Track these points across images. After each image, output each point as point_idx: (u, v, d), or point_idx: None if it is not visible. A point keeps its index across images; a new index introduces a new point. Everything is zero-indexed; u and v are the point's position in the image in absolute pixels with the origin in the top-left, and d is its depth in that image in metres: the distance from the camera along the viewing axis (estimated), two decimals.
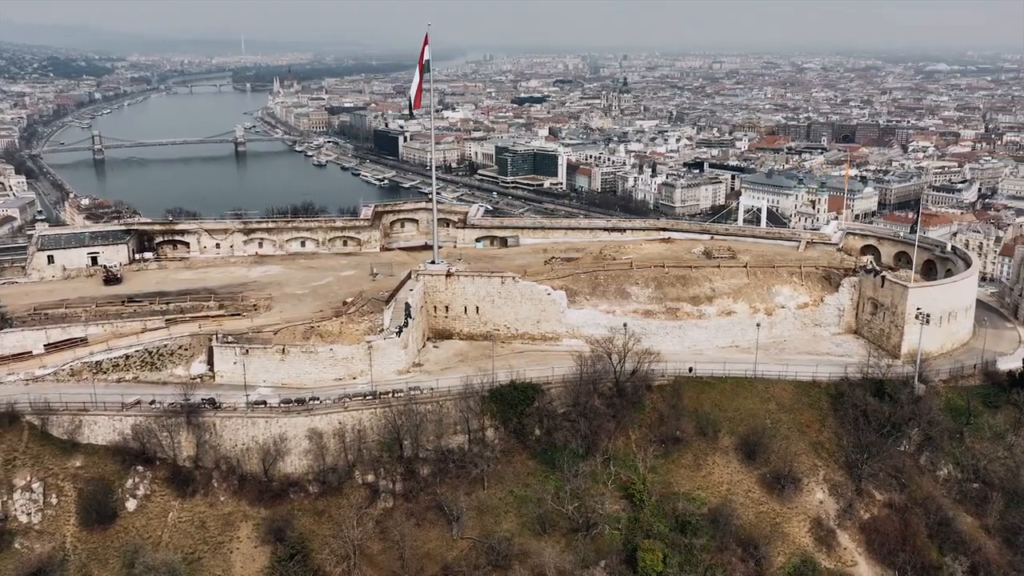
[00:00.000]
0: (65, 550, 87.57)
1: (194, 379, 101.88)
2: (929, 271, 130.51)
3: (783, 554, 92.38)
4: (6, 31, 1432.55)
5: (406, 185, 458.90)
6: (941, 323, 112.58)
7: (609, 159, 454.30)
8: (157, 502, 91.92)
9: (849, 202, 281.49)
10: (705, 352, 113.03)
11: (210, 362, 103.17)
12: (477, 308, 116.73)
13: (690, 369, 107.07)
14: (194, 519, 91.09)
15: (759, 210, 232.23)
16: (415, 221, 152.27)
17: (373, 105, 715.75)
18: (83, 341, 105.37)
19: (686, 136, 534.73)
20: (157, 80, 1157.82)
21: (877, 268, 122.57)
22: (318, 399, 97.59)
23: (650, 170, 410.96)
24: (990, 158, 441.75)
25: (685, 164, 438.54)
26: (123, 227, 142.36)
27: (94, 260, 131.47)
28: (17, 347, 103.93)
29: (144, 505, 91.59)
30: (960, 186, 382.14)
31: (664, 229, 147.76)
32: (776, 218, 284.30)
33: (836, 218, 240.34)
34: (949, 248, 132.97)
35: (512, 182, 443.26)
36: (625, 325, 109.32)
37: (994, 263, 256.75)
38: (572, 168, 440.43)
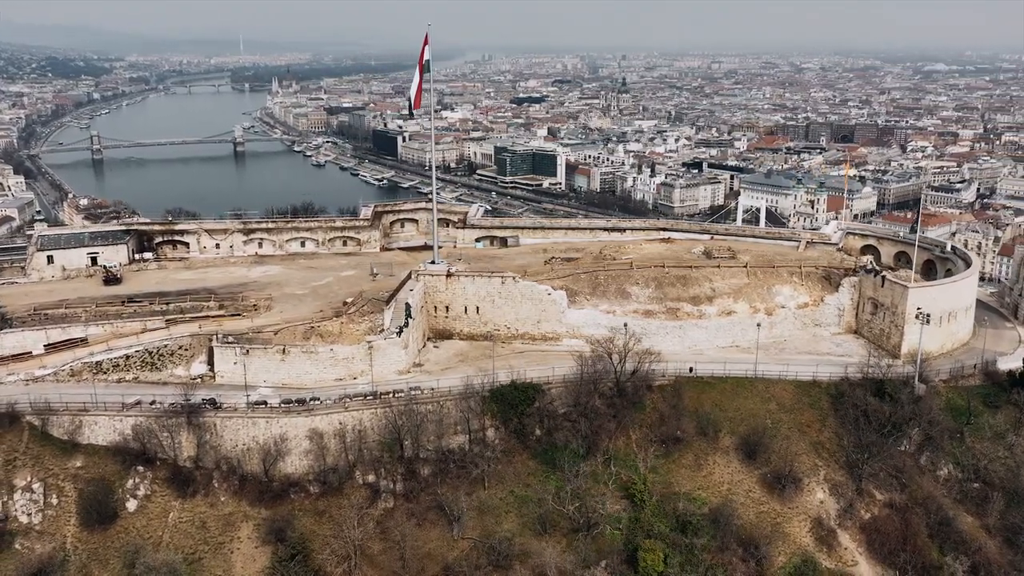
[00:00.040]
0: (65, 550, 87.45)
1: (194, 379, 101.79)
2: (929, 271, 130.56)
3: (784, 554, 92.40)
4: (6, 31, 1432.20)
5: (405, 185, 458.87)
6: (941, 323, 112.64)
7: (608, 159, 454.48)
8: (158, 502, 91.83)
9: (848, 202, 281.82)
10: (705, 352, 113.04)
11: (210, 362, 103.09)
12: (477, 308, 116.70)
13: (690, 369, 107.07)
14: (195, 519, 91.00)
15: (758, 210, 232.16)
16: (415, 221, 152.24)
17: (372, 105, 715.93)
18: (83, 341, 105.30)
19: (685, 136, 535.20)
20: (155, 80, 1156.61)
21: (877, 268, 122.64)
22: (319, 399, 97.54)
23: (649, 170, 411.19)
24: (989, 158, 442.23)
25: (684, 164, 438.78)
26: (123, 227, 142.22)
27: (94, 260, 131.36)
28: (17, 347, 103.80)
29: (144, 505, 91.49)
30: (959, 186, 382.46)
31: (664, 229, 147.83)
32: (775, 218, 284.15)
33: (836, 218, 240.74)
34: (949, 248, 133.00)
35: (511, 182, 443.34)
36: (625, 325, 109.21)
37: (993, 263, 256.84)
38: (571, 168, 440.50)
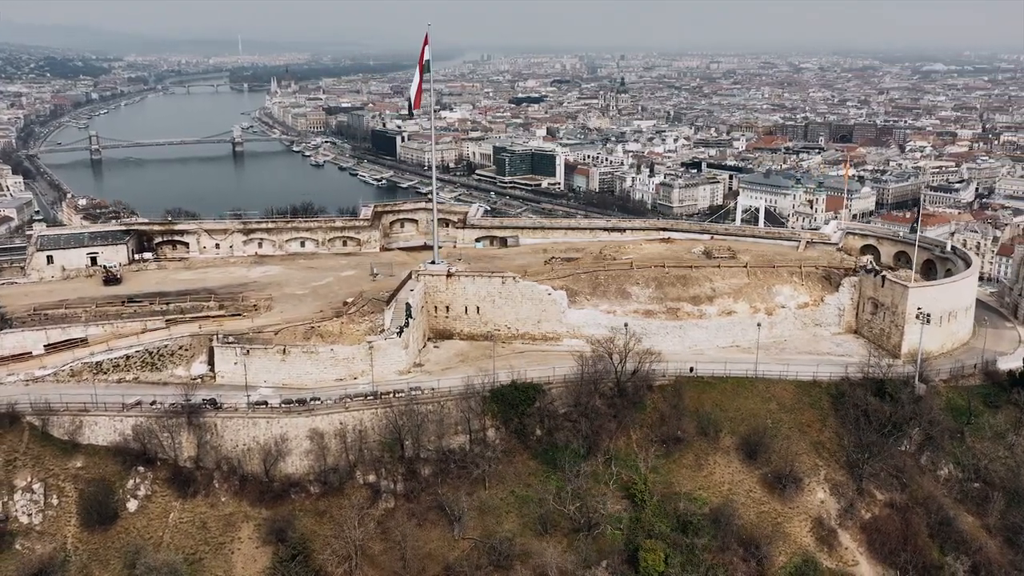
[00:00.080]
0: (66, 551, 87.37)
1: (195, 379, 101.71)
2: (929, 271, 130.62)
3: (784, 554, 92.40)
4: (6, 31, 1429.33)
5: (404, 185, 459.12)
6: (941, 323, 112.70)
7: (607, 159, 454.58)
8: (158, 503, 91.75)
9: (847, 202, 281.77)
10: (706, 352, 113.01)
11: (211, 362, 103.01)
12: (478, 308, 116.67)
13: (691, 369, 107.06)
14: (195, 520, 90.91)
15: (757, 210, 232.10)
16: (415, 221, 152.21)
17: (371, 105, 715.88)
18: (83, 342, 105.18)
19: (684, 136, 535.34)
20: (154, 80, 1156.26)
21: (877, 268, 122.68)
22: (319, 399, 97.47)
23: (648, 170, 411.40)
24: (987, 158, 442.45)
25: (683, 164, 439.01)
26: (122, 227, 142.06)
27: (93, 260, 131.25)
28: (17, 348, 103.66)
29: (145, 506, 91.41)
30: (957, 186, 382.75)
31: (664, 229, 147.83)
32: (774, 218, 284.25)
33: (836, 218, 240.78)
34: (949, 248, 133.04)
35: (510, 182, 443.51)
36: (626, 325, 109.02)
37: (992, 263, 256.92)
38: (570, 168, 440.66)
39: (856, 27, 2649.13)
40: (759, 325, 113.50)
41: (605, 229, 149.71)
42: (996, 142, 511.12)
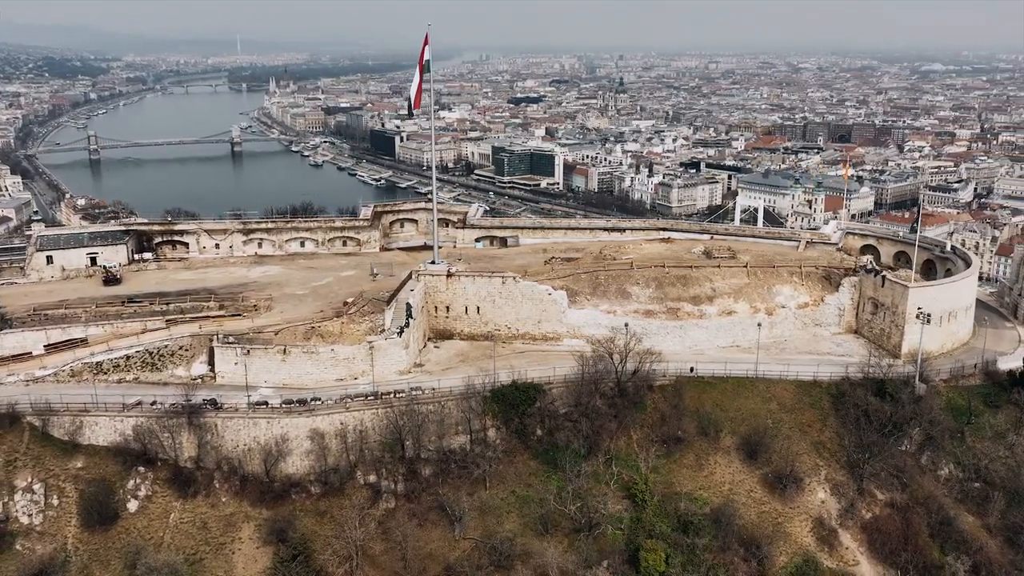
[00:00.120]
0: (66, 551, 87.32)
1: (195, 380, 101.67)
2: (928, 271, 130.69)
3: (785, 554, 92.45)
4: (6, 31, 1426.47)
5: (403, 185, 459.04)
6: (941, 323, 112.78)
7: (606, 159, 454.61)
8: (159, 503, 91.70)
9: (846, 202, 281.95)
10: (706, 352, 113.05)
11: (211, 363, 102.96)
12: (478, 308, 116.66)
13: (691, 369, 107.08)
14: (196, 520, 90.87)
15: (756, 210, 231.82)
16: (414, 221, 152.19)
17: (369, 105, 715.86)
18: (83, 342, 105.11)
19: (682, 136, 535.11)
20: (153, 80, 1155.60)
21: (877, 268, 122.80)
22: (320, 399, 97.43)
23: (647, 170, 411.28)
24: (986, 158, 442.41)
25: (681, 164, 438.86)
26: (122, 227, 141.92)
27: (93, 260, 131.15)
28: (17, 348, 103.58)
29: (145, 506, 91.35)
30: (956, 186, 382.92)
31: (664, 229, 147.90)
32: (773, 218, 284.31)
33: (835, 218, 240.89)
34: (949, 248, 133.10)
35: (509, 182, 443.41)
36: (626, 325, 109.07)
37: (990, 263, 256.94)
38: (569, 168, 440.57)
39: (856, 27, 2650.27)
40: (759, 325, 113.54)
41: (605, 229, 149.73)
42: (994, 142, 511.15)
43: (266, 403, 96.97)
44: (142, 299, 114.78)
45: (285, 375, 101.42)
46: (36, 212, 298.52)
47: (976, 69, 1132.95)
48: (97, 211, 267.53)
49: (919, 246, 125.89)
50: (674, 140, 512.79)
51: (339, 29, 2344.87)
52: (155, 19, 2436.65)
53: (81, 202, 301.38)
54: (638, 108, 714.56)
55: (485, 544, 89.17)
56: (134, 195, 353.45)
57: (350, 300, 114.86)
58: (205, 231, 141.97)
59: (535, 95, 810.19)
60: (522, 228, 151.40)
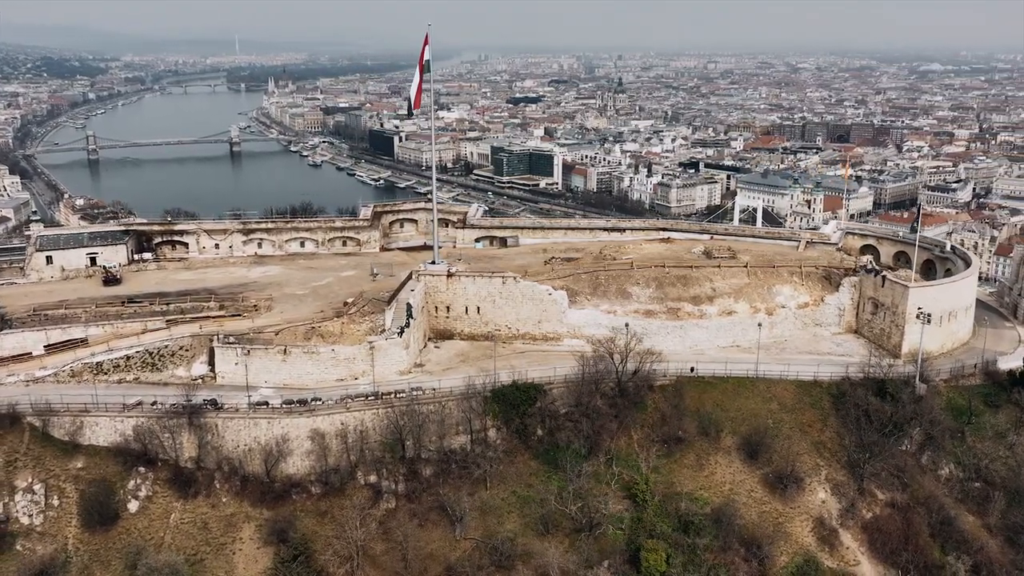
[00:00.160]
0: (67, 552, 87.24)
1: (195, 380, 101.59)
2: (928, 271, 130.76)
3: (786, 554, 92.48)
4: (6, 31, 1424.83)
5: (402, 185, 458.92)
6: (941, 323, 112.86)
7: (605, 159, 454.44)
8: (159, 503, 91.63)
9: (845, 202, 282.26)
10: (706, 352, 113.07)
11: (211, 363, 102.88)
12: (478, 308, 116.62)
13: (692, 369, 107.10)
14: (196, 520, 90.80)
15: (755, 210, 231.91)
16: (414, 221, 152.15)
17: (368, 105, 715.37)
18: (83, 342, 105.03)
19: (681, 136, 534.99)
20: (151, 80, 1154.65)
21: (877, 268, 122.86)
22: (320, 400, 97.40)
23: (646, 170, 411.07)
24: (984, 158, 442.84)
25: (680, 164, 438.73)
26: (122, 228, 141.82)
27: (93, 261, 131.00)
28: (17, 348, 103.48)
29: (146, 506, 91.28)
30: (955, 186, 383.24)
31: (664, 229, 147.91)
32: (772, 218, 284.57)
33: (835, 218, 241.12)
34: (949, 248, 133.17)
35: (508, 182, 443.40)
36: (627, 325, 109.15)
37: (989, 263, 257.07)
38: (568, 168, 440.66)
39: (856, 27, 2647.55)
40: (760, 325, 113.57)
41: (605, 229, 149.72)
42: (993, 142, 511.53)
43: (267, 403, 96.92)
44: (142, 299, 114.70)
45: (285, 375, 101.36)
46: (35, 212, 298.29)
47: (974, 69, 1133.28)
48: (96, 211, 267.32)
49: (919, 246, 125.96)
50: (673, 140, 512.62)
51: (339, 29, 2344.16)
52: (154, 19, 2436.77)
53: (80, 202, 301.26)
54: (637, 108, 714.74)
55: (486, 544, 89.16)
56: (133, 195, 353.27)
57: (350, 300, 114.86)
58: (205, 231, 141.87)
59: (534, 95, 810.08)
60: (522, 228, 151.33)
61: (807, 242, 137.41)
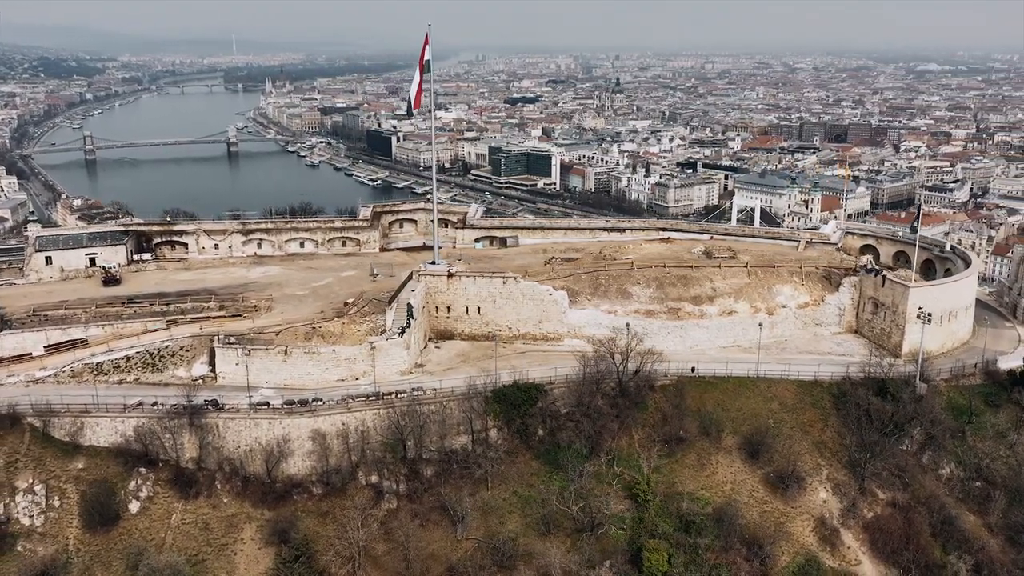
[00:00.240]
0: (68, 553, 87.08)
1: (196, 380, 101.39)
2: (928, 270, 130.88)
3: (787, 553, 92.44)
4: (6, 32, 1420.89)
5: (399, 185, 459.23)
6: (942, 322, 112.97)
7: (602, 159, 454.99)
8: (160, 504, 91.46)
9: (844, 202, 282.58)
10: (707, 352, 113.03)
11: (212, 363, 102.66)
12: (479, 308, 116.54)
13: (692, 369, 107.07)
14: (197, 521, 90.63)
15: (752, 210, 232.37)
16: (414, 222, 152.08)
17: (366, 105, 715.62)
18: (83, 343, 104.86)
19: (679, 136, 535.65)
20: (148, 80, 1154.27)
21: (877, 268, 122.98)
22: (321, 400, 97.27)
23: (643, 170, 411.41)
24: (981, 158, 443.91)
25: (678, 164, 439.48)
26: (121, 228, 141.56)
27: (92, 261, 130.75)
28: (17, 349, 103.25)
29: (147, 507, 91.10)
30: (952, 186, 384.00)
31: (664, 229, 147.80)
32: (769, 218, 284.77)
33: (834, 217, 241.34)
34: (948, 248, 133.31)
35: (506, 182, 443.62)
36: (627, 325, 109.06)
37: (987, 262, 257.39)
38: (565, 168, 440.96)
39: (856, 27, 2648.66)
40: (760, 325, 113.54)
41: (605, 229, 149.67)
42: (990, 142, 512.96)
43: (267, 404, 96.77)
44: (142, 300, 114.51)
45: (286, 376, 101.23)
46: (32, 213, 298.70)
47: (972, 69, 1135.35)
48: (93, 211, 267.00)
49: (919, 246, 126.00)
50: (670, 140, 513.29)
51: (338, 29, 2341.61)
52: (154, 19, 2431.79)
53: (77, 202, 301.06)
54: (634, 108, 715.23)
55: (487, 544, 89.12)
56: (130, 195, 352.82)
57: (350, 300, 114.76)
58: (204, 231, 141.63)
59: (531, 95, 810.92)
60: (522, 228, 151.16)
61: (807, 242, 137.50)
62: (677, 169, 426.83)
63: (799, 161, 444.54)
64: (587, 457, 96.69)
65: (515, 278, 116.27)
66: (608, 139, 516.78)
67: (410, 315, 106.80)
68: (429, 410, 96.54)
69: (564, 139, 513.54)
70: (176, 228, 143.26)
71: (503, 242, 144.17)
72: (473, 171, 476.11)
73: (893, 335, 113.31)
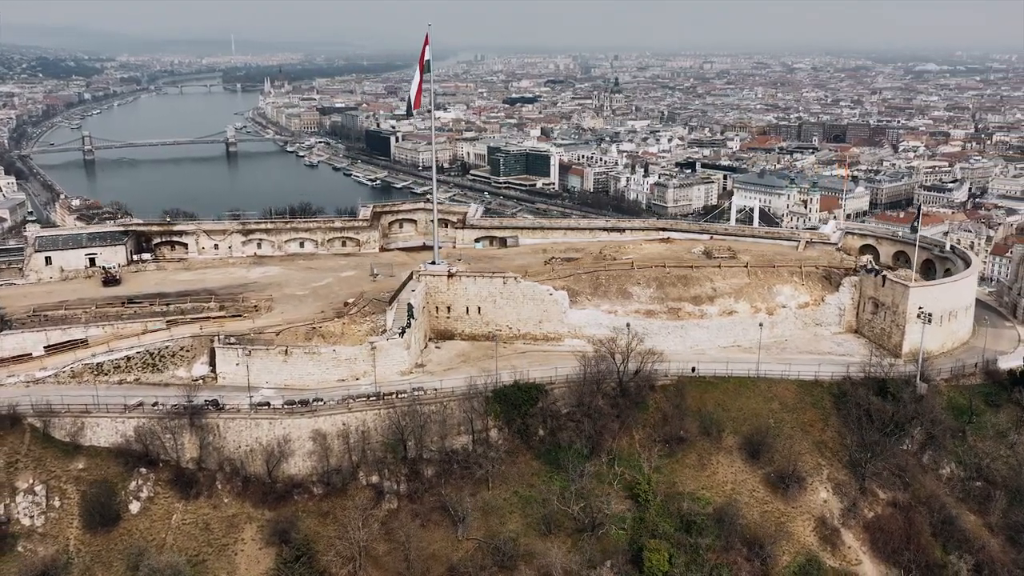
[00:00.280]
0: (68, 553, 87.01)
1: (196, 381, 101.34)
2: (928, 270, 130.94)
3: (788, 553, 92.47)
4: (6, 32, 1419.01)
5: (398, 185, 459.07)
6: (942, 322, 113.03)
7: (601, 159, 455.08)
8: (161, 504, 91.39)
9: (843, 202, 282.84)
10: (707, 352, 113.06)
11: (212, 363, 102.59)
12: (479, 308, 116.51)
13: (693, 369, 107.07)
14: (198, 521, 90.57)
15: (751, 210, 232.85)
16: (413, 222, 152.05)
17: (364, 105, 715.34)
18: (83, 343, 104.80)
19: (678, 136, 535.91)
20: (147, 80, 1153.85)
21: (877, 268, 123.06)
22: (321, 400, 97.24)
23: (642, 170, 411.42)
24: (980, 158, 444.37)
25: (677, 164, 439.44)
26: (121, 228, 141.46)
27: (92, 261, 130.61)
28: (17, 349, 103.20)
29: (147, 507, 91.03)
30: (951, 186, 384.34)
31: (664, 229, 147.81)
32: (768, 218, 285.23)
33: (833, 217, 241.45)
34: (948, 247, 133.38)
35: (505, 182, 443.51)
36: (628, 325, 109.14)
37: (985, 262, 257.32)
38: (564, 168, 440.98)
39: (856, 27, 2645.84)
40: (760, 325, 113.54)
41: (605, 229, 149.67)
42: (989, 142, 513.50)
43: (268, 404, 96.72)
44: (142, 300, 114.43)
45: (287, 376, 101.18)
46: (31, 213, 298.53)
47: (970, 69, 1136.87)
48: (92, 212, 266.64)
49: (919, 246, 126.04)
50: (669, 140, 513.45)
51: (338, 29, 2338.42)
52: (153, 19, 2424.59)
53: (76, 203, 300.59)
54: (633, 108, 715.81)
55: (488, 544, 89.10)
56: (129, 195, 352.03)
57: (351, 301, 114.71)
58: (204, 232, 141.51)
59: (530, 95, 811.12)
60: (522, 228, 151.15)
61: (807, 242, 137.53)
62: (676, 169, 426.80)
63: (798, 161, 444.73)
64: (588, 457, 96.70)
65: (515, 278, 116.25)
66: (607, 139, 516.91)
67: (410, 315, 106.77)
68: (430, 410, 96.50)
69: (563, 139, 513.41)
70: (176, 228, 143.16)
71: (503, 242, 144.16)
72: (472, 171, 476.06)
73: (893, 335, 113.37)
